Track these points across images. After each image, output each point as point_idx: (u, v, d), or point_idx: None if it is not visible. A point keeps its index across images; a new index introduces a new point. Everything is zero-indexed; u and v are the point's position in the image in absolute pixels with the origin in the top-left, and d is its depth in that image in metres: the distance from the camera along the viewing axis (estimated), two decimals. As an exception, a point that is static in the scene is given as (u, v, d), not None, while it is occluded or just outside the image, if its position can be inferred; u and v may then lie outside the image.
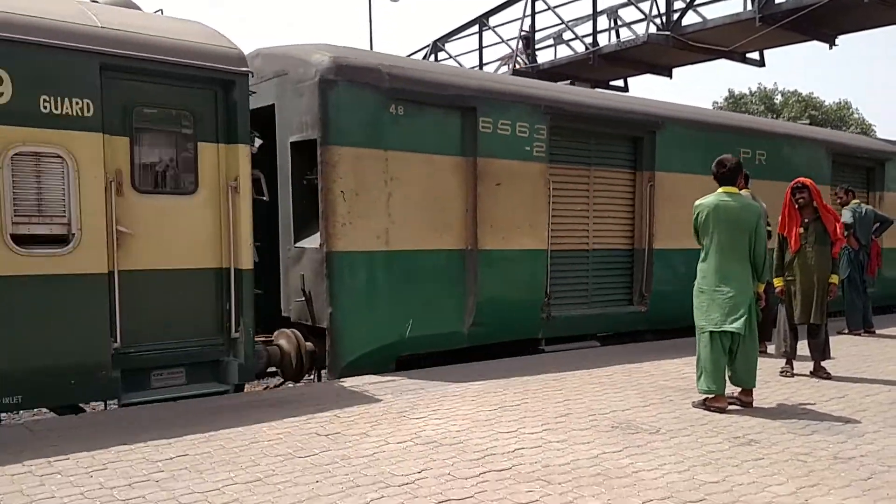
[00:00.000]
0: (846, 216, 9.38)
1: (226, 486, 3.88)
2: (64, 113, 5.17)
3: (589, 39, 16.15)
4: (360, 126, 6.79)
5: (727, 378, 5.71)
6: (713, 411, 5.55)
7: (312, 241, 6.85)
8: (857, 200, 9.82)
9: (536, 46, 17.48)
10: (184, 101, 5.89)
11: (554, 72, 16.83)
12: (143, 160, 5.75)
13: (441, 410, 5.46)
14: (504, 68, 18.04)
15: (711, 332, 5.62)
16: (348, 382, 6.38)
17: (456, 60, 19.11)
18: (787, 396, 6.15)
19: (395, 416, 5.30)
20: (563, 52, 17.23)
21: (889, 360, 7.80)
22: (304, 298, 6.86)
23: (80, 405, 5.91)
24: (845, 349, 8.38)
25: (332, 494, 3.78)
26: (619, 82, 18.17)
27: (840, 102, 47.70)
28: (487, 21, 18.26)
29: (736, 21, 13.76)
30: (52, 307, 5.21)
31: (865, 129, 42.05)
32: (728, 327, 5.58)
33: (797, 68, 74.13)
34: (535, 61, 17.40)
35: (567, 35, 16.90)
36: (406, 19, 78.31)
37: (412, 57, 18.63)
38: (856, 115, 47.29)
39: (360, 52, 7.52)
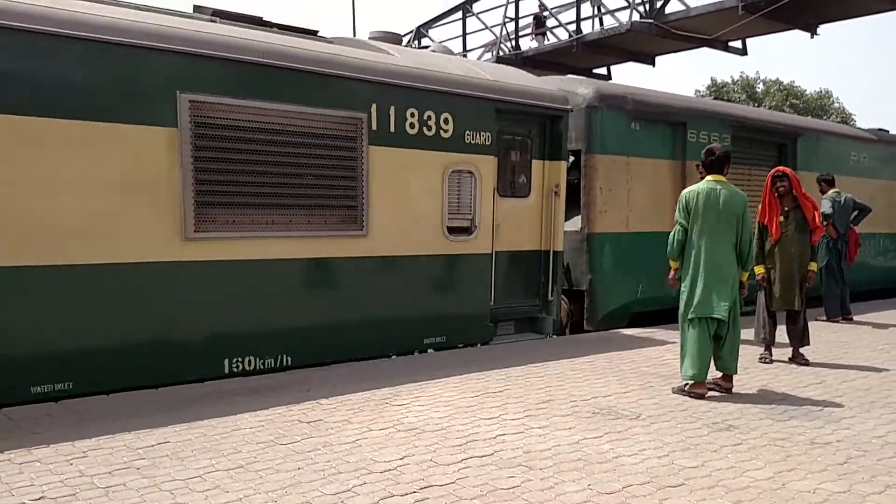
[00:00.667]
0: (825, 206, 9.48)
1: (207, 474, 3.87)
2: (475, 142, 7.37)
3: (573, 27, 16.15)
4: (612, 139, 9.01)
5: (712, 363, 5.78)
6: (693, 397, 5.61)
7: (572, 225, 8.85)
8: (836, 189, 9.90)
9: (520, 34, 17.46)
10: (527, 129, 8.01)
11: (538, 59, 16.85)
12: (503, 173, 7.80)
13: (424, 397, 5.47)
14: (488, 55, 18.01)
15: (699, 319, 5.67)
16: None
17: (441, 45, 19.00)
18: (765, 382, 6.22)
19: (377, 403, 5.31)
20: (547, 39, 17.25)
21: (865, 347, 7.91)
22: (564, 268, 8.62)
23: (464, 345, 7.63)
24: (824, 336, 8.49)
25: (313, 481, 3.79)
26: (602, 70, 18.20)
27: (821, 91, 48.06)
28: (471, 7, 18.20)
29: (719, 9, 13.83)
30: (463, 276, 7.48)
31: (846, 119, 42.43)
32: (718, 314, 5.64)
33: (779, 57, 74.52)
34: (519, 48, 17.39)
35: (551, 22, 16.90)
36: (389, 3, 77.81)
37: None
38: (836, 105, 47.67)
39: (610, 85, 10.88)
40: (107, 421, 4.72)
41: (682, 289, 5.82)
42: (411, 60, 7.29)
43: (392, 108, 6.78)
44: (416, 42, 19.51)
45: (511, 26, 17.37)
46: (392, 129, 6.80)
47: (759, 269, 7.13)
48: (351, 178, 6.62)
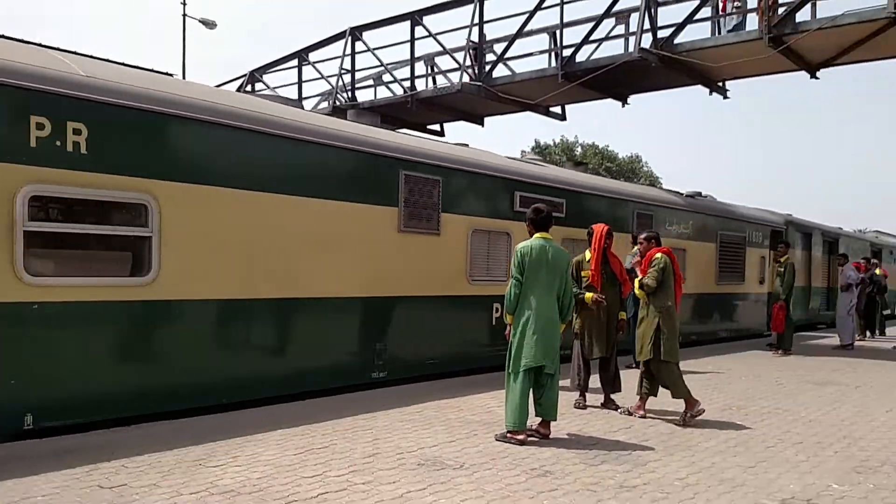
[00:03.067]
0: (627, 261, 10.29)
1: (-18, 554, 3.40)
2: None
3: (407, 83, 16.58)
4: None
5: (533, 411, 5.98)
6: (515, 443, 5.77)
7: None
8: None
9: (357, 85, 17.65)
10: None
11: (374, 111, 17.06)
12: None
13: (242, 457, 5.19)
14: (324, 104, 18.03)
15: (526, 368, 5.86)
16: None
17: (274, 91, 18.76)
18: (580, 427, 6.54)
19: (190, 464, 4.96)
20: (383, 93, 17.58)
21: (669, 393, 8.54)
22: None
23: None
24: (633, 382, 9.07)
25: (111, 555, 3.44)
26: (437, 126, 18.79)
27: (632, 156, 52.71)
28: (307, 56, 18.19)
29: (541, 76, 14.76)
30: None
31: (654, 181, 46.68)
32: (546, 364, 5.90)
33: (595, 122, 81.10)
34: (356, 99, 17.55)
35: (387, 77, 17.26)
36: (221, 47, 76.08)
37: (225, 87, 18.12)
38: (645, 169, 52.42)
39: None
40: None
41: (512, 340, 6.00)
42: None
43: None
44: (248, 86, 19.16)
45: (348, 77, 17.52)
46: None
47: (578, 320, 7.56)
48: None
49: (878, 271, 18.28)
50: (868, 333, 17.74)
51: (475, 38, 15.21)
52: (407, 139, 9.30)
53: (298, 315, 7.48)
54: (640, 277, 7.19)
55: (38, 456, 5.07)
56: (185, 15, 24.01)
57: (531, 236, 6.22)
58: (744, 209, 17.21)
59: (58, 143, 5.65)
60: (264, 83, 19.27)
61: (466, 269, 9.33)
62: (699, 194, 15.99)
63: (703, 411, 6.91)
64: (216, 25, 24.73)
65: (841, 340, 14.96)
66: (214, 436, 5.74)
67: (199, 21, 24.47)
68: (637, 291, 7.21)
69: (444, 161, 9.05)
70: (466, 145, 10.58)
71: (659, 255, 7.17)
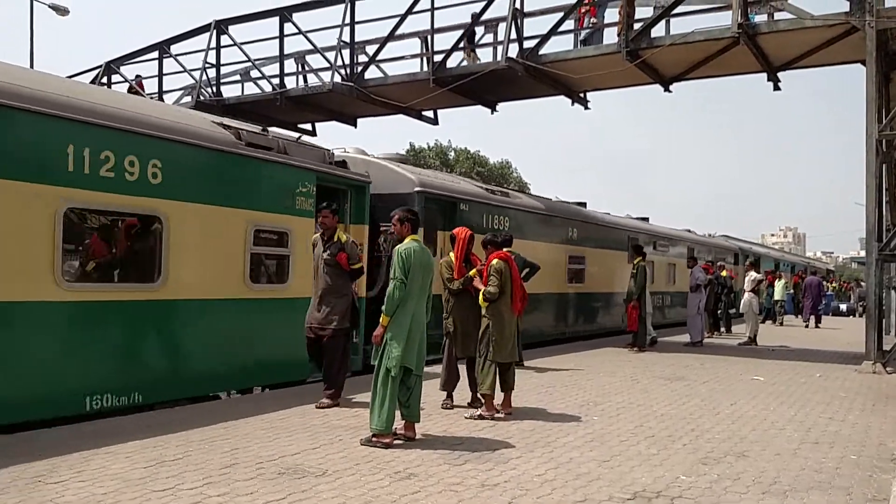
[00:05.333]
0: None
1: None
2: None
3: (276, 80, 16.17)
4: None
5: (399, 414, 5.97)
6: (381, 447, 5.73)
7: None
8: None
9: (222, 81, 17.02)
10: None
11: (241, 108, 16.54)
12: None
13: (87, 471, 4.83)
14: (187, 98, 17.25)
15: (397, 371, 5.82)
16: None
17: (131, 84, 17.76)
18: (445, 428, 6.59)
19: (28, 481, 4.57)
20: (251, 89, 17.06)
21: (532, 390, 8.83)
22: None
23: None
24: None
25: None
26: (308, 126, 18.44)
27: (503, 161, 54.12)
28: (168, 48, 17.34)
29: (413, 80, 14.85)
30: None
31: (522, 187, 48.12)
32: (419, 366, 5.93)
33: (467, 127, 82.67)
34: (221, 94, 16.90)
35: (255, 73, 16.76)
36: (76, 35, 71.25)
37: (80, 77, 17.01)
38: (515, 174, 53.97)
39: None
40: None
41: (390, 342, 5.89)
42: None
43: None
44: (104, 78, 18.02)
45: (213, 72, 16.86)
46: None
47: (448, 320, 7.65)
48: None
49: (724, 273, 19.75)
50: (717, 331, 19.12)
51: (346, 38, 15.07)
52: None
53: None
54: (483, 288, 7.29)
55: None
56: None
57: (403, 238, 6.20)
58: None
59: None
60: (121, 75, 18.19)
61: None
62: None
63: (500, 418, 7.09)
64: (68, 12, 23.09)
65: (691, 338, 16.01)
66: (59, 449, 5.32)
67: (50, 6, 22.75)
68: (481, 301, 7.30)
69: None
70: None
71: (496, 260, 7.32)
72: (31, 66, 20.78)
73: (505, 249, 7.81)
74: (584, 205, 18.23)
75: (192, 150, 7.55)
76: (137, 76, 17.91)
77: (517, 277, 7.47)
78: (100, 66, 18.19)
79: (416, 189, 11.17)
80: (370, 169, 10.65)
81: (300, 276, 8.52)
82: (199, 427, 6.24)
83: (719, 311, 19.36)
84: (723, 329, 19.69)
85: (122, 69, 18.29)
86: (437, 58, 14.54)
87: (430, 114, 17.45)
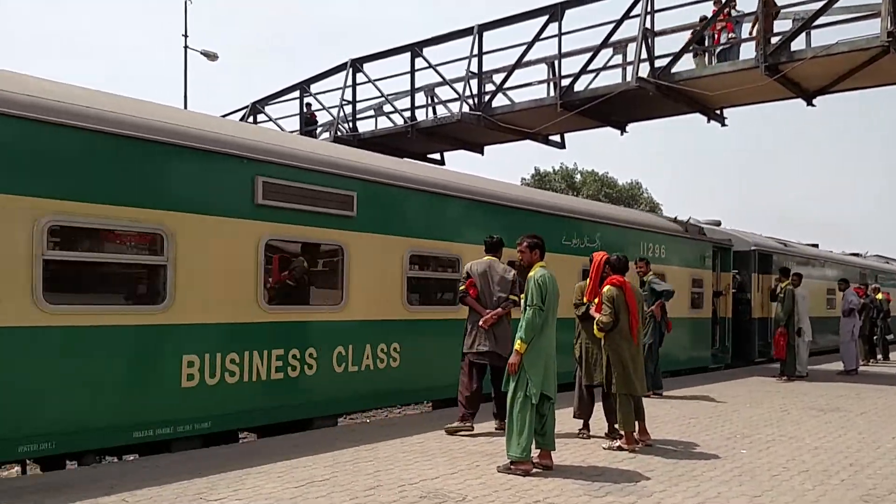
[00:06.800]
0: (662, 286, 10.52)
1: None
2: None
3: (408, 113, 16.73)
4: None
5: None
6: (519, 474, 5.72)
7: None
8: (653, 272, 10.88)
9: (357, 116, 17.81)
10: None
11: (374, 141, 17.22)
12: None
13: (243, 490, 5.15)
14: (325, 134, 18.17)
15: (533, 399, 5.82)
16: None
17: (276, 123, 18.98)
18: (583, 458, 6.48)
19: (191, 498, 4.92)
20: (384, 123, 17.74)
21: (673, 421, 8.52)
22: None
23: None
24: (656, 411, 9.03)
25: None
26: (437, 155, 18.92)
27: (632, 182, 52.91)
28: (308, 88, 18.38)
29: (539, 105, 14.90)
30: None
31: (654, 207, 46.81)
32: (554, 393, 5.94)
33: (595, 150, 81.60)
34: (357, 129, 17.69)
35: (388, 108, 17.42)
36: (223, 78, 76.92)
37: (230, 117, 18.30)
38: (645, 195, 52.59)
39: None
40: None
41: (528, 370, 5.88)
42: None
43: None
44: (250, 118, 19.34)
45: (349, 108, 17.70)
46: None
47: (577, 347, 7.55)
48: None
49: (879, 296, 18.27)
50: (873, 358, 17.66)
51: (474, 68, 15.38)
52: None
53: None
54: (596, 318, 7.07)
55: (27, 490, 5.02)
56: (186, 47, 24.30)
57: (531, 265, 6.22)
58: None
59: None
60: (266, 114, 19.45)
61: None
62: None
63: (639, 450, 6.82)
64: (217, 57, 25.01)
65: (844, 366, 14.88)
66: (217, 468, 5.70)
67: (201, 53, 24.74)
68: (596, 332, 7.10)
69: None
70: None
71: (608, 287, 7.09)
72: (185, 106, 22.62)
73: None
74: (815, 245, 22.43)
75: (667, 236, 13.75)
76: (308, 105, 18.84)
77: (633, 304, 7.18)
78: (246, 107, 19.55)
79: (752, 248, 16.92)
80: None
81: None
82: (341, 449, 6.48)
83: (875, 337, 17.90)
84: (879, 356, 18.17)
85: (267, 108, 19.54)
86: (565, 82, 14.54)
87: (556, 138, 17.44)
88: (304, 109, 18.71)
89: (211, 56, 25.00)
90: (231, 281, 6.87)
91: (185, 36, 24.26)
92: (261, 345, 7.07)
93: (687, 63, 13.79)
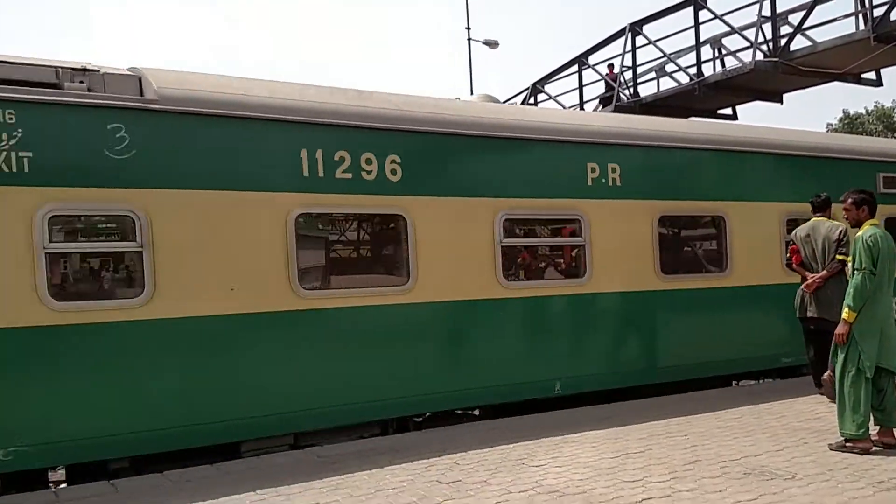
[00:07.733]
0: None
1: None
2: None
3: (693, 70, 15.90)
4: None
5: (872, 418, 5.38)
6: (857, 453, 5.20)
7: None
8: None
9: (638, 80, 17.35)
10: None
11: (657, 104, 16.65)
12: None
13: (561, 458, 5.38)
14: (600, 106, 18.00)
15: (869, 371, 5.27)
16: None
17: (556, 100, 19.22)
18: (938, 439, 5.68)
19: (513, 463, 5.28)
20: (666, 84, 17.05)
21: None
22: None
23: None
24: None
25: (459, 544, 3.80)
26: (728, 110, 17.73)
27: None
28: (587, 60, 18.32)
29: (849, 42, 13.21)
30: None
31: None
32: (894, 366, 5.33)
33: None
34: (638, 94, 17.25)
35: (670, 67, 16.70)
36: (505, 63, 79.47)
37: (513, 101, 18.89)
38: None
39: None
40: (254, 481, 4.97)
41: (860, 340, 5.33)
42: None
43: None
44: (531, 98, 19.80)
45: (629, 74, 17.32)
46: None
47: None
48: None
49: None
50: None
51: (767, 12, 14.08)
52: None
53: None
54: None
55: (375, 451, 5.75)
56: (470, 39, 25.53)
57: (860, 223, 5.57)
58: None
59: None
60: (546, 93, 19.77)
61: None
62: None
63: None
64: (498, 45, 25.92)
65: None
66: (531, 435, 6.03)
67: (483, 42, 25.84)
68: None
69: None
70: None
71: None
72: (472, 92, 23.76)
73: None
74: None
75: None
76: (611, 65, 18.03)
77: None
78: (527, 89, 20.06)
79: None
80: None
81: None
82: (654, 420, 6.45)
83: None
84: None
85: (546, 87, 19.87)
86: (877, 12, 12.70)
87: (870, 75, 15.33)
88: (608, 71, 18.05)
89: (492, 44, 26.01)
90: (627, 255, 7.72)
91: (468, 28, 25.51)
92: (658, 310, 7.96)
93: None
